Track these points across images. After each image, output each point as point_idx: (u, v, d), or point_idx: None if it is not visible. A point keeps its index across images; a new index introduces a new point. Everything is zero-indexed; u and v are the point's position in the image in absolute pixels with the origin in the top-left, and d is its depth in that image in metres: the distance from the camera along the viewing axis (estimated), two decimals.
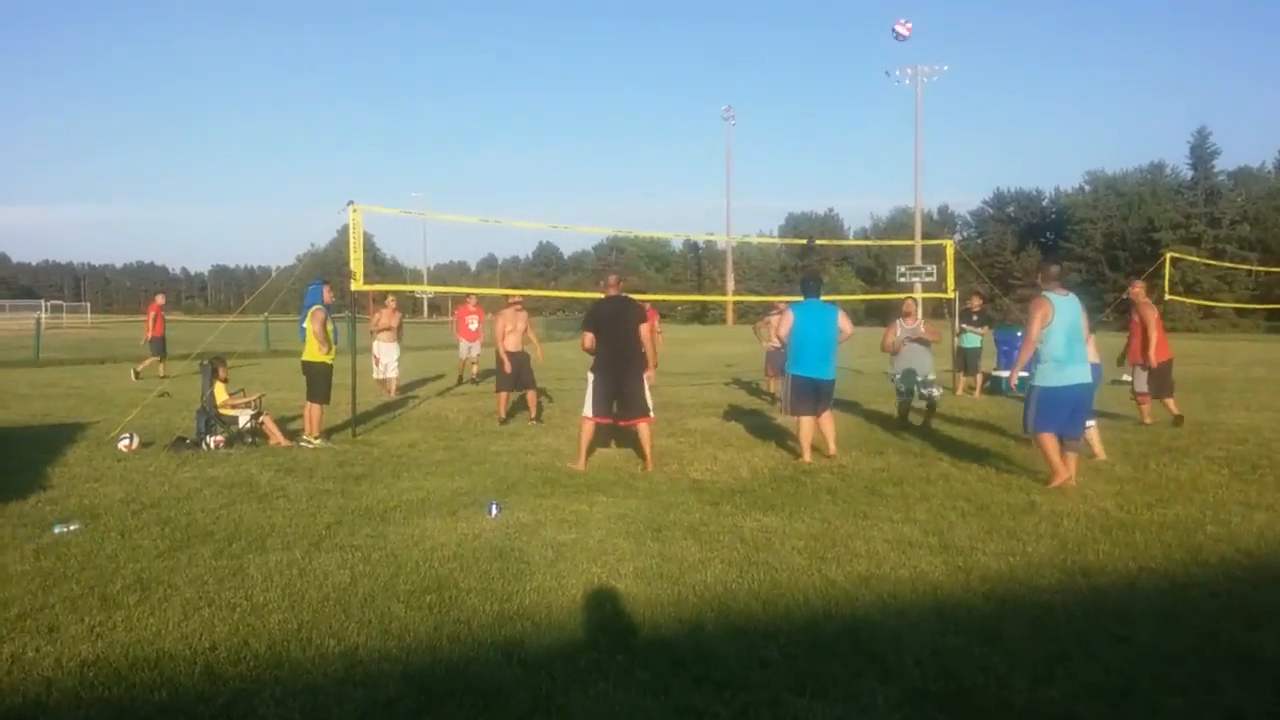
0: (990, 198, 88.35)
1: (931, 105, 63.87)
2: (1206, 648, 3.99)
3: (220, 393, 9.89)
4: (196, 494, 7.28)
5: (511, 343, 12.11)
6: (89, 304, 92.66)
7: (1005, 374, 13.28)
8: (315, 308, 10.05)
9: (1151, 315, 11.20)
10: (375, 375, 15.51)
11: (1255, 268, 54.58)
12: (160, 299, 19.65)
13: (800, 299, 9.33)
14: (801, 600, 4.65)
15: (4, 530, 6.01)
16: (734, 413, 12.79)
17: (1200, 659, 3.86)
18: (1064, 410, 7.41)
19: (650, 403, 8.73)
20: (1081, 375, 7.50)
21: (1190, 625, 4.27)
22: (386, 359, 15.63)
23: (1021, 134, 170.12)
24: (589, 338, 8.69)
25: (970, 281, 31.82)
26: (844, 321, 9.07)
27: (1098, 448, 8.76)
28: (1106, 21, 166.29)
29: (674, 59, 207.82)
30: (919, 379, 11.01)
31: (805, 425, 8.83)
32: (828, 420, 8.98)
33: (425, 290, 54.97)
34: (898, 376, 11.34)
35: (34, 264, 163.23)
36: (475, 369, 18.02)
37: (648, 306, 15.08)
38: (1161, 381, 11.27)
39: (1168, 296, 21.74)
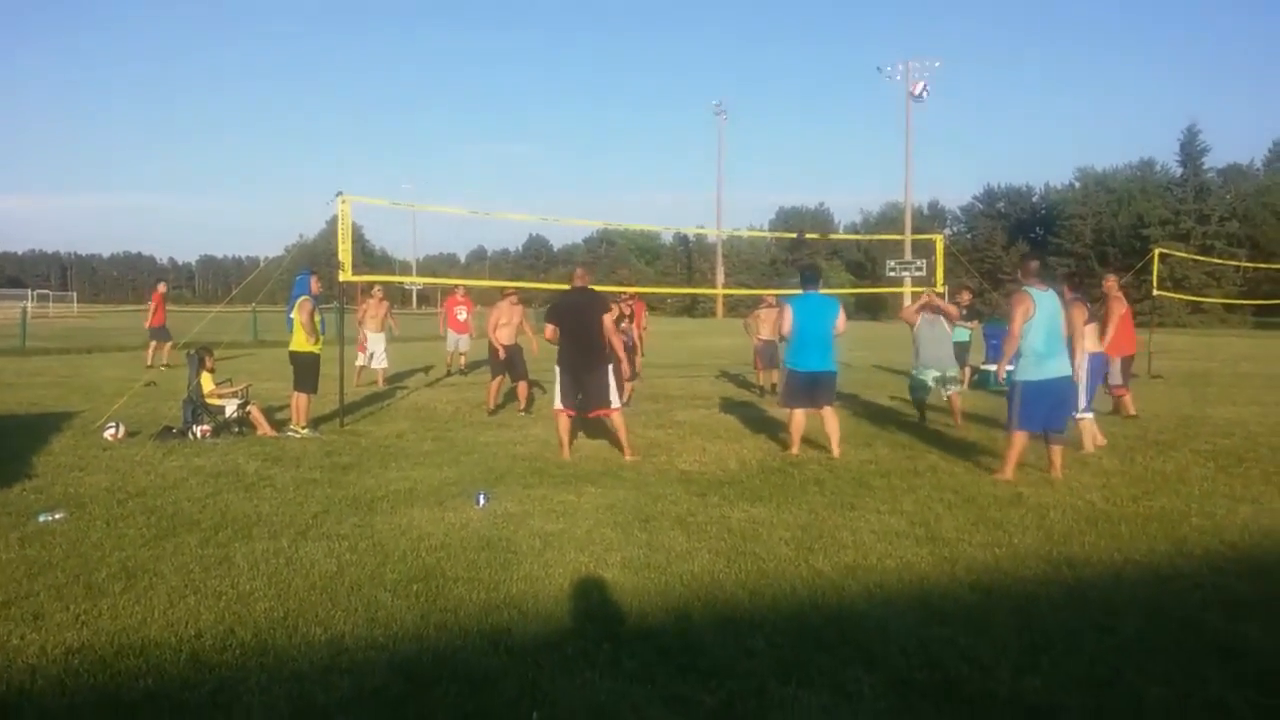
0: (980, 193, 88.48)
1: (922, 101, 63.46)
2: (1190, 638, 4.02)
3: (207, 382, 9.85)
4: (183, 483, 7.25)
5: (504, 335, 12.05)
6: (75, 293, 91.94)
7: (993, 368, 13.33)
8: (303, 298, 10.07)
9: (1118, 309, 11.10)
10: (358, 363, 15.47)
11: (1243, 264, 54.92)
12: (162, 287, 20.26)
13: (798, 291, 9.19)
14: (788, 590, 4.66)
15: None
16: (723, 405, 12.81)
17: (1184, 649, 3.89)
18: (1046, 404, 7.48)
19: (614, 394, 8.68)
20: (1062, 369, 7.58)
21: (1174, 616, 4.30)
22: (374, 348, 15.63)
23: (1012, 130, 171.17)
24: (550, 329, 8.79)
25: (960, 276, 32.06)
26: (839, 319, 8.86)
27: (1094, 439, 8.81)
28: (1097, 19, 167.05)
29: (665, 53, 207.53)
30: (939, 375, 10.83)
31: (797, 418, 8.82)
32: (832, 418, 8.74)
33: (414, 282, 54.75)
34: (918, 369, 11.02)
35: (20, 253, 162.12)
36: (464, 360, 17.97)
37: (634, 300, 15.16)
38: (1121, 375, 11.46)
39: (1156, 292, 21.83)
